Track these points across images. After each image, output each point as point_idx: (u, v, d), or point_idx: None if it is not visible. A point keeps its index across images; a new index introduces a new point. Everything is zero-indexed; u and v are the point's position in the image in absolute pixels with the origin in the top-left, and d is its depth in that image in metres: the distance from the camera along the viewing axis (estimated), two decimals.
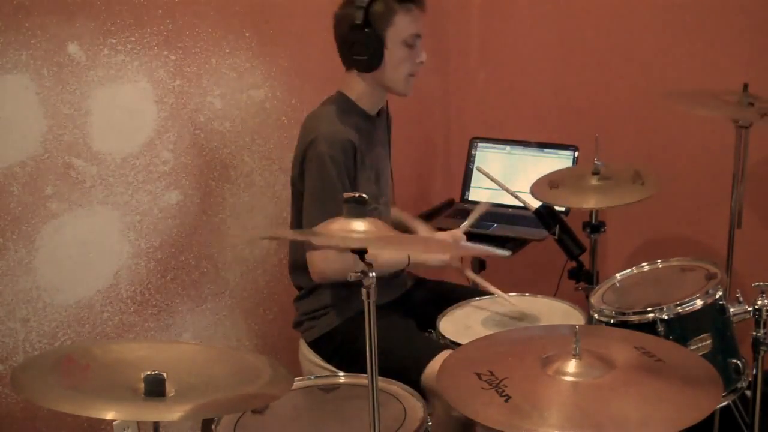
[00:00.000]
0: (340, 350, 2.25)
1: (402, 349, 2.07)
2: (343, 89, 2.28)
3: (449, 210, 3.19)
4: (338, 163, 2.14)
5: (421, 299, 2.43)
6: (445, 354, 2.08)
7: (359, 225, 1.52)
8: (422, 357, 2.09)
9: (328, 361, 2.27)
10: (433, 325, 2.23)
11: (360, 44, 2.17)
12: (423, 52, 2.23)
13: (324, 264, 2.15)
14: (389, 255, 2.24)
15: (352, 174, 2.18)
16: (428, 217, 3.13)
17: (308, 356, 2.33)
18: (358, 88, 2.25)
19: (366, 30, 2.15)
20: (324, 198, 2.14)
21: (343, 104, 2.25)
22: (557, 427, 1.39)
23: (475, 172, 3.16)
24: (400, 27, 2.16)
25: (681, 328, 1.91)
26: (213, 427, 1.73)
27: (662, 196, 2.59)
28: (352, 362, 2.15)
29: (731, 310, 1.95)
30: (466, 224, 2.41)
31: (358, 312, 2.24)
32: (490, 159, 3.16)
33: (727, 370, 1.90)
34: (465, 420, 2.00)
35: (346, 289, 2.25)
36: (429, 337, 2.24)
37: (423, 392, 2.06)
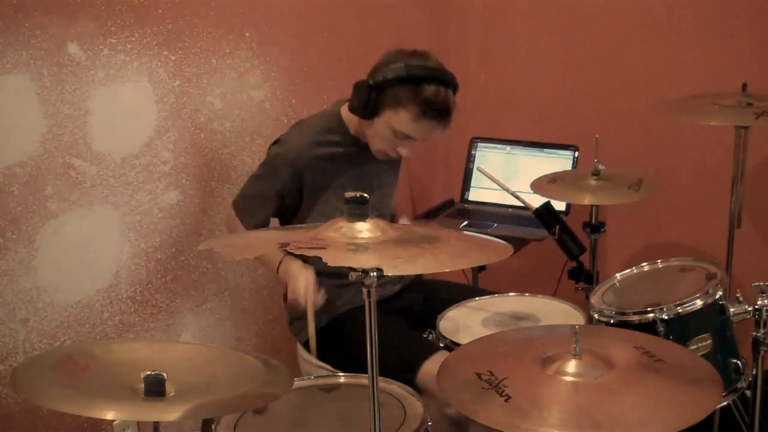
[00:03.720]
0: (332, 349, 2.25)
1: (396, 349, 2.07)
2: (342, 106, 2.31)
3: (449, 210, 3.19)
4: (278, 176, 2.22)
5: (418, 298, 2.43)
6: (441, 355, 2.09)
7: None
8: (417, 357, 2.09)
9: (323, 361, 2.27)
10: (432, 325, 2.23)
11: (360, 95, 2.16)
12: (408, 150, 2.22)
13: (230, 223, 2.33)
14: (270, 253, 2.26)
15: (294, 192, 2.24)
16: (428, 217, 3.14)
17: (304, 356, 2.33)
18: (353, 116, 2.26)
19: (372, 91, 2.14)
20: (250, 189, 2.29)
21: (332, 123, 2.29)
22: (557, 427, 1.39)
23: (475, 172, 3.16)
24: (398, 120, 2.14)
25: (681, 328, 1.91)
26: (213, 427, 1.73)
27: (662, 196, 2.59)
28: (345, 361, 2.15)
29: (731, 310, 1.95)
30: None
31: (346, 311, 2.26)
32: (490, 159, 3.16)
33: (727, 370, 1.90)
34: (459, 419, 2.01)
35: (332, 289, 2.26)
36: (423, 337, 2.24)
37: (418, 391, 2.07)
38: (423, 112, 2.12)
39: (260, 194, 2.27)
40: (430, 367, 2.03)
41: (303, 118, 2.38)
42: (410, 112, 2.13)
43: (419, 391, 2.03)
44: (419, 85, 2.12)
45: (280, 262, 2.24)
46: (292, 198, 2.26)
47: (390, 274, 1.42)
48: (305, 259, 2.21)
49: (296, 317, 2.36)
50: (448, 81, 2.17)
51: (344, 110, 2.29)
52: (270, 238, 1.71)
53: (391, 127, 2.16)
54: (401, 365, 1.98)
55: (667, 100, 2.60)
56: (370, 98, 2.15)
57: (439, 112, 2.14)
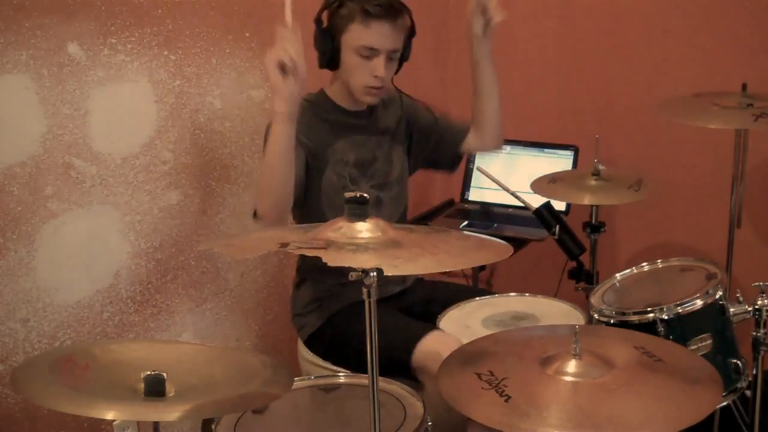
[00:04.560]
0: (332, 347, 2.26)
1: (390, 332, 2.05)
2: (325, 85, 2.32)
3: (449, 210, 3.19)
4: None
5: (419, 298, 2.43)
6: (434, 334, 2.09)
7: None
8: (411, 337, 2.10)
9: (324, 359, 2.27)
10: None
11: (317, 41, 2.20)
12: (380, 67, 2.18)
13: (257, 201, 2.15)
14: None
15: (300, 142, 2.17)
16: (428, 217, 3.14)
17: (304, 355, 2.34)
18: (335, 88, 2.29)
19: (323, 28, 2.18)
20: None
21: (319, 99, 2.30)
22: (557, 427, 1.39)
23: (475, 172, 3.16)
24: (352, 35, 2.16)
25: (681, 328, 1.91)
26: (213, 427, 1.73)
27: (662, 196, 2.59)
28: (346, 359, 2.16)
29: (731, 310, 1.95)
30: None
31: (346, 307, 2.26)
32: (490, 159, 3.16)
33: (727, 370, 1.90)
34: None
35: (333, 285, 2.26)
36: (417, 321, 2.24)
37: (414, 373, 2.08)
38: (368, 13, 2.14)
39: None
40: (425, 346, 2.04)
41: None
42: (358, 20, 2.14)
43: (417, 372, 2.03)
44: None
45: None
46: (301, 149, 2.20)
47: (390, 275, 1.42)
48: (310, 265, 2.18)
49: (298, 313, 2.35)
50: None
51: (327, 88, 2.31)
52: (270, 238, 1.71)
53: (353, 49, 2.17)
54: (396, 347, 1.98)
55: (667, 100, 2.59)
56: (325, 36, 2.17)
57: (383, 8, 2.15)
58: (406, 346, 2.08)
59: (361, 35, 2.15)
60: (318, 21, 2.19)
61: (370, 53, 2.17)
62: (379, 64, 2.18)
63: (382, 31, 2.16)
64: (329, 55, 2.19)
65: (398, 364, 2.03)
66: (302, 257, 2.34)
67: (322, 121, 2.25)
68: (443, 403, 1.98)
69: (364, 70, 2.19)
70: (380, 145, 2.36)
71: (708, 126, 2.44)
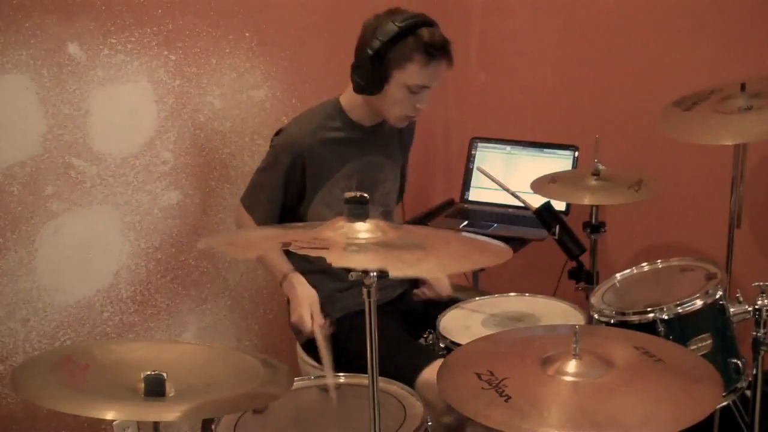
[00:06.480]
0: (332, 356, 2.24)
1: (394, 358, 2.03)
2: (341, 95, 2.30)
3: (449, 210, 3.19)
4: (280, 164, 2.22)
5: (418, 300, 2.43)
6: (437, 364, 2.07)
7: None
8: (415, 365, 2.06)
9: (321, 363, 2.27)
10: (432, 326, 2.22)
11: (364, 70, 2.16)
12: (425, 100, 2.21)
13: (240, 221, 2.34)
14: (275, 258, 2.28)
15: (297, 180, 2.23)
16: (428, 217, 3.14)
17: (303, 357, 2.33)
18: (353, 100, 2.27)
19: (374, 60, 2.13)
20: (255, 182, 2.31)
21: (332, 110, 2.29)
22: (557, 427, 1.39)
23: (475, 172, 3.16)
24: (409, 74, 2.14)
25: (681, 328, 1.91)
26: (213, 427, 1.73)
27: (662, 196, 2.59)
28: (344, 364, 2.14)
29: (731, 310, 1.95)
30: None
31: (345, 314, 2.26)
32: (490, 159, 3.16)
33: (727, 370, 1.90)
34: (455, 426, 2.00)
35: (332, 292, 2.25)
36: (421, 344, 2.23)
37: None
38: (430, 55, 2.14)
39: (266, 185, 2.27)
40: (428, 375, 2.02)
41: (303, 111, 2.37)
42: (418, 61, 2.14)
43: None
44: (415, 34, 2.14)
45: (285, 277, 2.23)
46: (296, 186, 2.25)
47: (393, 276, 1.42)
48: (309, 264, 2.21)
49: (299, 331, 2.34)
50: (431, 21, 2.20)
51: (343, 98, 2.29)
52: (271, 236, 1.70)
53: (405, 86, 2.16)
54: (399, 375, 1.97)
55: (664, 110, 2.55)
56: (374, 69, 2.14)
57: (442, 49, 2.16)
58: (408, 375, 2.03)
59: (420, 75, 2.15)
60: (370, 53, 2.13)
61: (420, 90, 2.18)
62: (425, 98, 2.20)
63: (438, 70, 2.18)
64: (373, 86, 2.17)
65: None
66: (295, 262, 2.30)
67: (329, 145, 2.25)
68: (441, 431, 1.99)
69: (409, 103, 2.19)
70: (382, 167, 2.37)
71: (708, 143, 2.43)
